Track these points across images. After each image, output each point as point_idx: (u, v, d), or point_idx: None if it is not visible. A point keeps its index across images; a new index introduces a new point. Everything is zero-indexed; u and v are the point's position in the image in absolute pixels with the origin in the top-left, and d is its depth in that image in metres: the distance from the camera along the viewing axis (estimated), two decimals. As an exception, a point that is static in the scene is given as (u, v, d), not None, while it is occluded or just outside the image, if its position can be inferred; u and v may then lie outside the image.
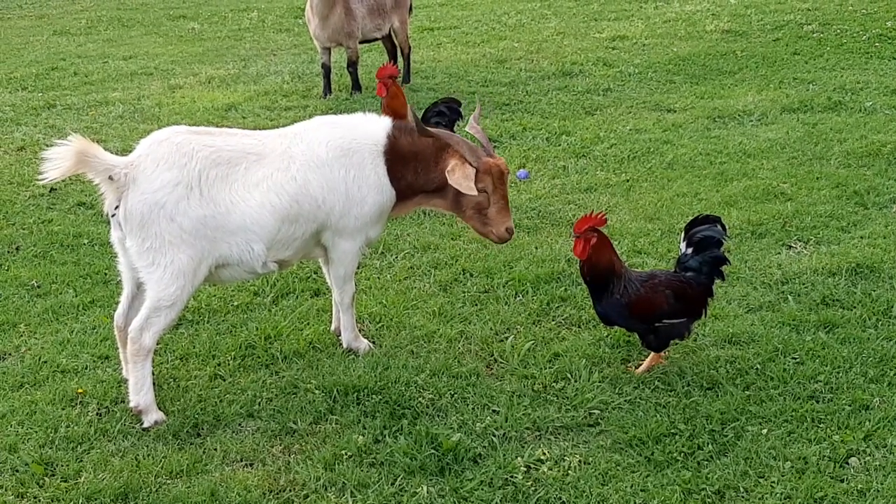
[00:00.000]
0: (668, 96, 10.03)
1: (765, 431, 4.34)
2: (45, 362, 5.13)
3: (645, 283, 4.76)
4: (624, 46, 12.32)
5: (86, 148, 4.38)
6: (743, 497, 3.98)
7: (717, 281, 4.87)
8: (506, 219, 4.99)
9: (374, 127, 4.94)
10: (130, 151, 4.63)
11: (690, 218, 5.07)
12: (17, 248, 6.64)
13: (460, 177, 4.80)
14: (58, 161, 4.39)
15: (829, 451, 4.20)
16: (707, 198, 7.12)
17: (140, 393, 4.55)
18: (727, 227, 5.01)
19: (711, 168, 7.80)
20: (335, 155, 4.77)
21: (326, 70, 10.45)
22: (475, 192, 4.83)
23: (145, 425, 4.54)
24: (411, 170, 4.93)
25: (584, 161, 8.16)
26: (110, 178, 4.43)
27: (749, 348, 5.03)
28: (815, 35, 12.17)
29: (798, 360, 4.91)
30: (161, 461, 4.28)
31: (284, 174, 4.65)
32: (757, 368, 4.84)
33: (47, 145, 4.46)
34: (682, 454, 4.22)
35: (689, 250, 4.87)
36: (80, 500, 4.04)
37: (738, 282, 5.73)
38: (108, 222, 4.65)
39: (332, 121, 4.99)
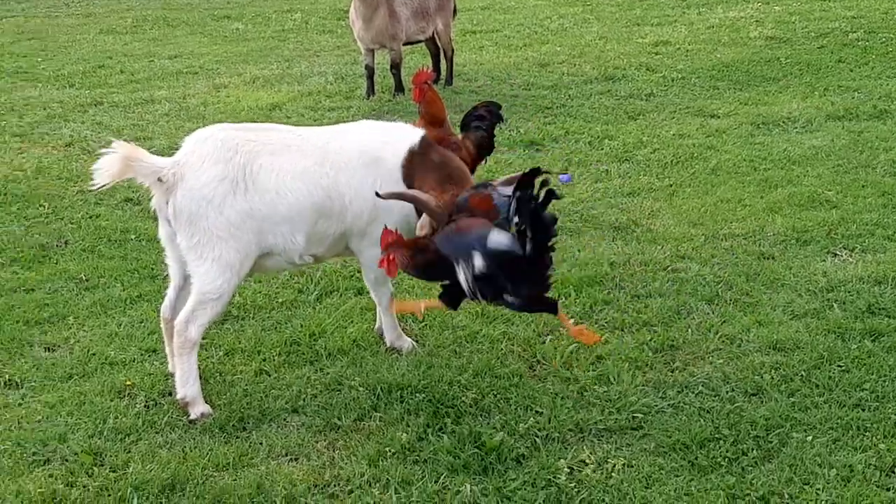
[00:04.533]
0: (712, 102, 9.99)
1: (810, 438, 4.32)
2: (94, 354, 5.21)
3: None
4: (667, 52, 12.28)
5: (131, 153, 4.44)
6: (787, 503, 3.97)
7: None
8: None
9: (406, 136, 4.87)
10: (177, 149, 4.69)
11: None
12: (65, 242, 6.74)
13: None
14: (106, 169, 4.46)
15: (875, 459, 4.17)
16: (751, 204, 7.09)
17: (186, 385, 4.61)
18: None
19: (755, 174, 7.76)
20: (365, 161, 4.75)
21: (370, 71, 10.50)
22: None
23: (191, 417, 4.60)
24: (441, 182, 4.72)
25: (627, 165, 8.15)
26: (159, 179, 4.50)
27: (794, 355, 5.01)
28: (860, 43, 12.06)
29: (844, 367, 4.88)
30: (208, 454, 4.33)
31: (320, 168, 4.68)
32: (802, 375, 4.82)
33: (94, 142, 4.53)
34: (727, 459, 4.21)
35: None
36: (129, 490, 4.08)
37: (783, 288, 5.71)
38: (156, 218, 4.72)
39: (371, 126, 5.01)
